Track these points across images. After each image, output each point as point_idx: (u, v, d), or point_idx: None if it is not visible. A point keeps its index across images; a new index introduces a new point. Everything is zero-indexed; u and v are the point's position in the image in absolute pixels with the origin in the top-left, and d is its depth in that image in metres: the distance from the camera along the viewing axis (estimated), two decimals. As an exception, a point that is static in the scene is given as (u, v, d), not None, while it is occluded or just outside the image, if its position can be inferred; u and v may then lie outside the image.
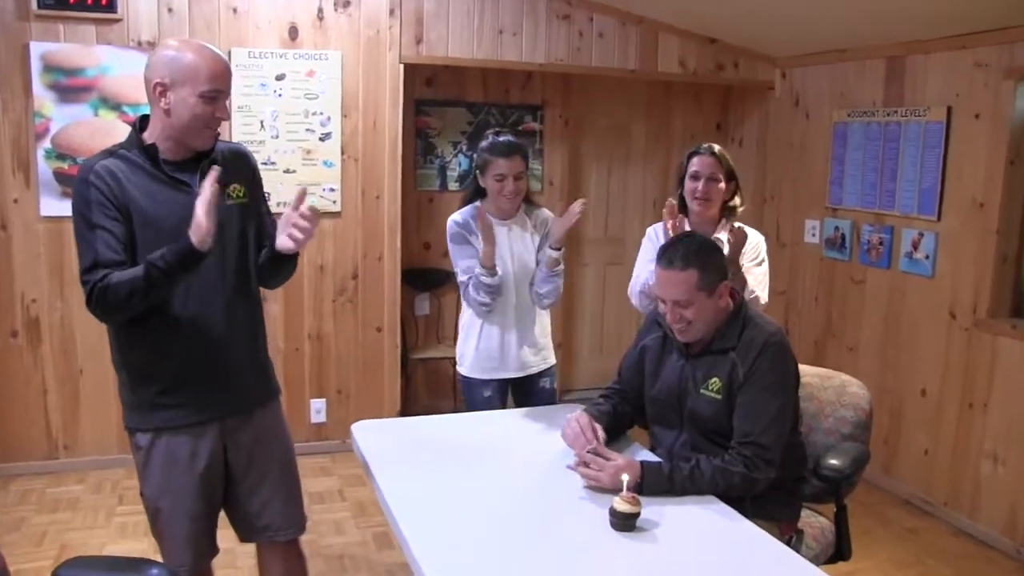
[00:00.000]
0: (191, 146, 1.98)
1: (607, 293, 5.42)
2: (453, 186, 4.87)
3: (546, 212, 2.94)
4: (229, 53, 3.89)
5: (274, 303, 4.11)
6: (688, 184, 2.80)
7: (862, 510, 3.66)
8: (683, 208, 2.86)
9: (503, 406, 2.92)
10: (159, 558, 2.09)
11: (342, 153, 4.18)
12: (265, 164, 3.98)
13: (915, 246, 3.91)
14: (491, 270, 2.75)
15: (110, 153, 1.96)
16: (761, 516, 2.04)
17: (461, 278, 2.83)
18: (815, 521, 2.41)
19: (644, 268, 2.84)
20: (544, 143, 5.02)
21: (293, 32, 4.04)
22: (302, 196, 2.03)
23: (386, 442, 2.40)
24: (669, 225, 2.69)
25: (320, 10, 4.06)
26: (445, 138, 4.86)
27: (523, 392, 2.96)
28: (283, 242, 2.03)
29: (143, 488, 2.07)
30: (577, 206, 2.77)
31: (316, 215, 2.02)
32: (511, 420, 2.66)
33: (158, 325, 1.96)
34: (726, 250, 2.51)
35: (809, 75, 4.64)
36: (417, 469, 2.21)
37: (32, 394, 3.92)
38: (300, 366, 4.27)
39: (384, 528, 3.43)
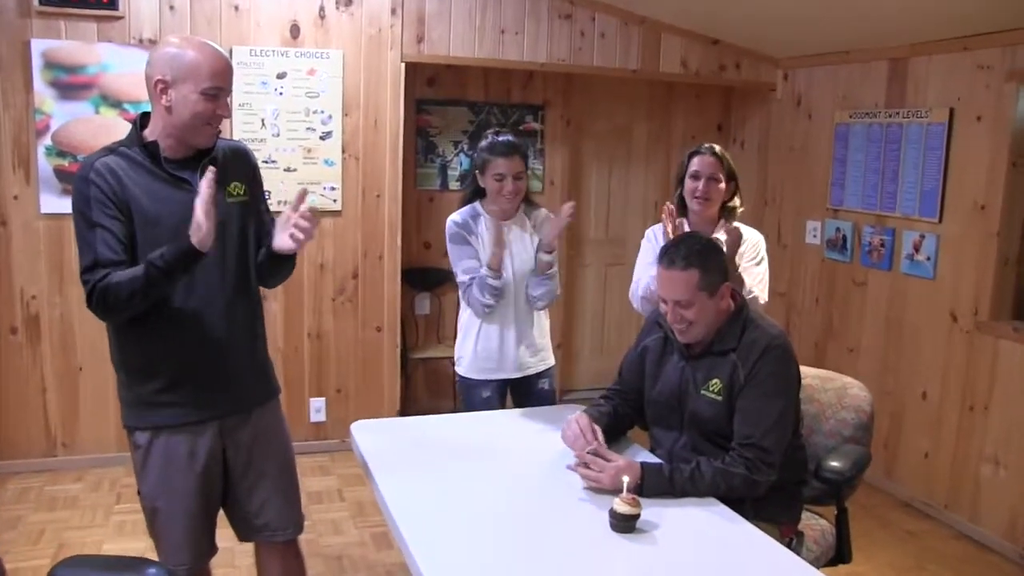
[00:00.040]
0: (192, 144, 1.98)
1: (608, 293, 5.42)
2: (454, 185, 4.87)
3: (545, 212, 2.93)
4: (230, 51, 3.88)
5: (274, 302, 4.10)
6: (688, 183, 2.80)
7: (862, 513, 3.65)
8: (682, 207, 2.86)
9: (502, 407, 2.92)
10: (156, 557, 2.09)
11: (343, 152, 4.18)
12: (266, 162, 3.97)
13: (916, 248, 3.90)
14: (498, 272, 2.74)
15: (111, 151, 1.95)
16: (762, 518, 2.04)
17: (462, 278, 2.82)
18: (816, 523, 2.40)
19: (644, 271, 2.84)
20: (545, 143, 5.01)
21: (294, 30, 4.03)
22: (302, 196, 2.02)
23: (385, 442, 2.39)
24: (669, 228, 2.68)
25: (322, 8, 4.05)
26: (446, 137, 4.86)
27: (522, 393, 2.95)
28: (282, 242, 2.02)
29: (141, 487, 2.06)
30: (567, 209, 2.76)
31: (316, 216, 2.01)
32: (511, 420, 2.65)
33: (158, 323, 1.96)
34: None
35: (811, 76, 4.63)
36: (416, 469, 2.20)
37: (31, 391, 3.92)
38: (300, 365, 4.27)
39: (383, 528, 3.43)
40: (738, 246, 2.68)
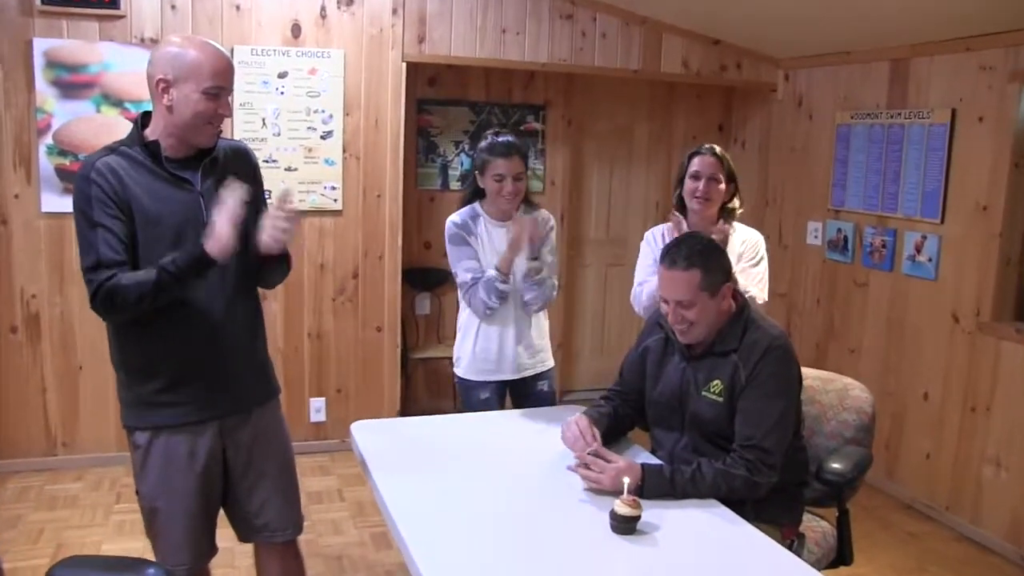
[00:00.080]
0: (193, 143, 1.98)
1: (608, 294, 5.41)
2: (455, 185, 4.86)
3: (545, 213, 2.92)
4: (232, 50, 3.88)
5: (274, 302, 4.10)
6: (688, 184, 2.80)
7: (863, 514, 3.64)
8: (681, 208, 2.86)
9: (501, 409, 2.90)
10: (153, 558, 2.08)
11: (344, 151, 4.17)
12: (266, 162, 3.97)
13: (918, 249, 3.90)
14: (507, 276, 2.73)
15: (112, 150, 1.95)
16: (763, 520, 2.03)
17: (464, 277, 2.81)
18: (817, 525, 2.40)
19: (644, 273, 2.84)
20: (546, 143, 5.01)
21: (296, 30, 4.03)
22: (286, 196, 1.99)
23: (385, 442, 2.39)
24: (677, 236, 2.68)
25: (323, 8, 4.05)
26: (447, 137, 4.85)
27: (521, 395, 2.94)
28: (265, 242, 1.97)
29: (139, 487, 2.06)
30: (530, 223, 2.71)
31: (296, 216, 1.98)
32: (511, 421, 2.65)
33: (158, 323, 1.95)
34: None
35: (812, 77, 4.63)
36: (416, 469, 2.20)
37: (31, 390, 3.92)
38: (300, 365, 4.26)
39: (383, 528, 3.42)
40: (724, 246, 2.68)
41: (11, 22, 3.67)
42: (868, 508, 3.81)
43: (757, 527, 1.94)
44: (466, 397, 2.92)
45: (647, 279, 2.79)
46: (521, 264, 2.78)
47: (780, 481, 2.10)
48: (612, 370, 2.69)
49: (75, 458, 3.99)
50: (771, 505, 2.11)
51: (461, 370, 2.91)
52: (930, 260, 3.84)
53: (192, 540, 2.07)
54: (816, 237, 4.59)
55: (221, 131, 2.03)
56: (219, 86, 1.92)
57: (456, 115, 4.84)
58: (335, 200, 4.18)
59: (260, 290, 2.19)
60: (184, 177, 1.96)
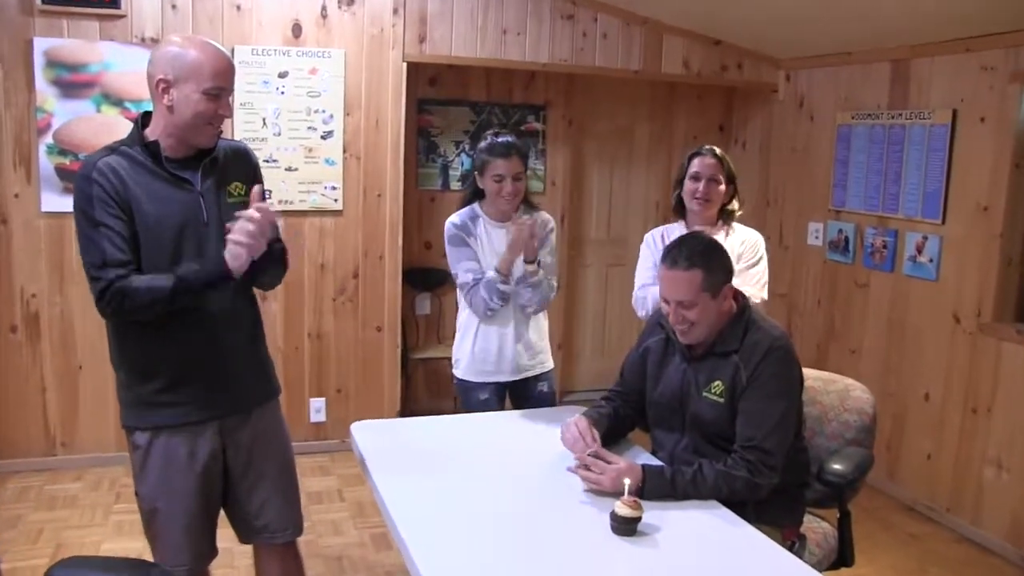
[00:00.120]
0: (193, 143, 1.97)
1: (609, 294, 5.41)
2: (455, 185, 4.86)
3: (545, 215, 2.90)
4: (232, 50, 3.88)
5: (274, 302, 4.10)
6: (688, 184, 2.80)
7: (864, 515, 3.64)
8: (681, 208, 2.86)
9: (500, 410, 2.90)
10: (152, 558, 2.08)
11: (344, 151, 4.17)
12: (267, 162, 3.97)
13: (919, 249, 3.89)
14: (508, 277, 2.72)
15: (112, 150, 1.94)
16: (764, 521, 2.02)
17: (464, 278, 2.80)
18: (818, 526, 2.39)
19: (644, 276, 2.83)
20: (547, 143, 5.01)
21: (296, 30, 4.02)
22: (258, 194, 1.93)
23: (385, 442, 2.39)
24: None
25: (324, 8, 4.05)
26: (447, 137, 4.85)
27: (520, 396, 2.93)
28: (228, 256, 1.87)
29: (139, 487, 2.06)
30: (527, 227, 2.67)
31: (270, 215, 1.89)
32: (511, 422, 2.64)
33: (158, 323, 1.94)
34: None
35: (813, 77, 4.62)
36: (416, 470, 2.19)
37: (31, 390, 3.91)
38: (300, 365, 4.26)
39: (383, 529, 3.42)
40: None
41: (11, 21, 3.67)
42: (869, 509, 3.80)
43: (758, 528, 1.93)
44: (465, 398, 2.91)
45: (649, 283, 2.78)
46: (519, 266, 2.78)
47: (781, 482, 2.10)
48: (612, 371, 2.68)
49: (75, 458, 3.98)
50: (772, 506, 2.11)
51: (460, 371, 2.90)
52: (931, 261, 3.83)
53: (192, 541, 2.07)
54: (817, 238, 4.58)
55: (221, 131, 2.03)
56: (220, 86, 1.92)
57: (457, 115, 4.84)
58: (335, 200, 4.18)
59: (259, 290, 2.18)
60: (184, 177, 1.96)
